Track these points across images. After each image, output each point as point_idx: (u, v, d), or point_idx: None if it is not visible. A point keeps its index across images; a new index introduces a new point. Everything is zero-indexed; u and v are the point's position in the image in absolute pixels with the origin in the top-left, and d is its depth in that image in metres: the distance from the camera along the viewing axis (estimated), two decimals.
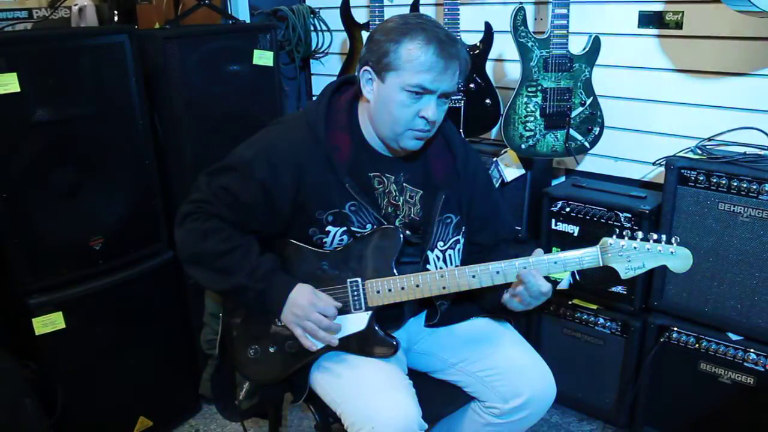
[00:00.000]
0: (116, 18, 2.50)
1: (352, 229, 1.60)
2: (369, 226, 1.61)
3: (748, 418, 2.08)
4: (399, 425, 1.44)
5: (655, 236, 1.48)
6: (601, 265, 1.50)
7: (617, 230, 1.50)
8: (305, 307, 1.54)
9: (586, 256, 1.50)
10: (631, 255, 1.48)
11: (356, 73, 1.62)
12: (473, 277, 1.54)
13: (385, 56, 1.51)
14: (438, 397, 1.71)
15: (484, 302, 1.70)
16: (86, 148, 2.07)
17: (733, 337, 2.08)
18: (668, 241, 1.48)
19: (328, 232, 1.61)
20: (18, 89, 1.85)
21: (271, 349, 1.63)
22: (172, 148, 2.31)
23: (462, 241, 1.71)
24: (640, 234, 1.49)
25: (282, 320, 1.58)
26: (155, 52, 2.19)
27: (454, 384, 1.73)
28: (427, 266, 1.65)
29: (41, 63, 1.91)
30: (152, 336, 2.34)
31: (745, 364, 2.05)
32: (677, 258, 1.48)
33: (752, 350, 2.03)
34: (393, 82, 1.52)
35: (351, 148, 1.61)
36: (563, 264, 1.51)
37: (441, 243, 1.67)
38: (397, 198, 1.66)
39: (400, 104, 1.52)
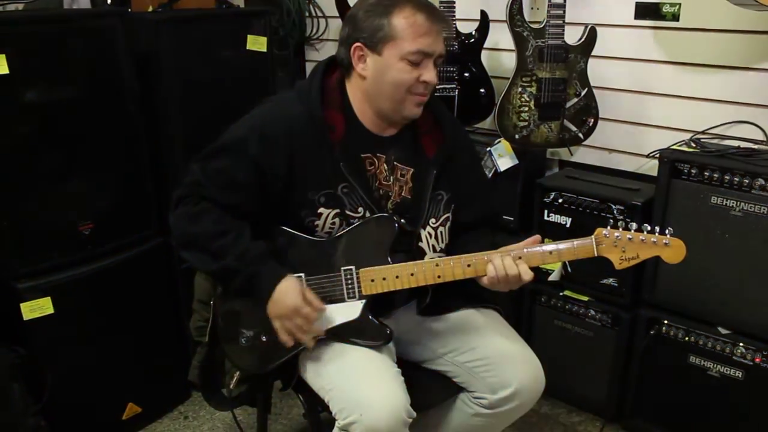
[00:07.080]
0: (109, 0, 2.47)
1: (346, 212, 1.60)
2: (360, 209, 1.60)
3: (736, 412, 2.08)
4: (387, 412, 1.43)
5: (648, 227, 1.48)
6: (596, 255, 1.50)
7: (611, 221, 1.50)
8: (290, 308, 1.51)
9: (580, 247, 1.50)
10: (625, 246, 1.48)
11: (338, 55, 1.63)
12: (468, 266, 1.54)
13: (379, 30, 1.54)
14: (427, 386, 1.70)
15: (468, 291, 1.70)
16: (76, 132, 2.04)
17: (723, 330, 2.09)
18: (662, 232, 1.48)
19: (320, 214, 1.60)
20: (6, 71, 1.83)
21: (263, 338, 1.62)
22: (164, 132, 2.29)
23: (451, 219, 1.71)
24: (634, 225, 1.49)
25: (267, 310, 1.56)
26: (147, 36, 2.17)
27: (443, 374, 1.73)
28: (420, 244, 1.64)
29: (31, 45, 1.88)
30: (141, 322, 2.32)
31: (733, 357, 2.05)
32: (671, 248, 1.48)
33: (741, 344, 2.04)
34: (391, 52, 1.55)
35: (344, 127, 1.62)
36: (558, 254, 1.50)
37: (433, 220, 1.67)
38: (388, 178, 1.66)
39: (400, 71, 1.56)
